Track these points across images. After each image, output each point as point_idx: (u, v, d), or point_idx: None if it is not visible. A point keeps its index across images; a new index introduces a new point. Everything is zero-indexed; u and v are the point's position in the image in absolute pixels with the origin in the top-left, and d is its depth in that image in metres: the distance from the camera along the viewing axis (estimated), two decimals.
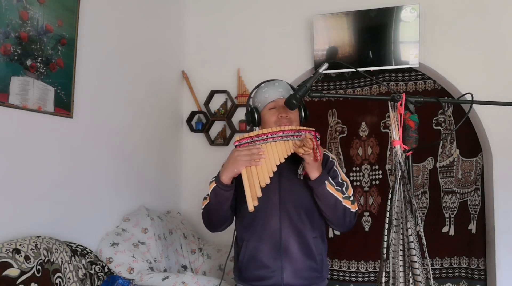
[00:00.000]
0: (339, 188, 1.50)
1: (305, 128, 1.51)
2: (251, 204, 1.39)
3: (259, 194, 1.41)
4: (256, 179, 1.43)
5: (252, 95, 1.67)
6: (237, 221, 1.64)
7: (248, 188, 1.41)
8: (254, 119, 1.61)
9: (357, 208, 1.54)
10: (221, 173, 1.48)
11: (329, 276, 3.20)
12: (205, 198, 1.56)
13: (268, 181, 1.42)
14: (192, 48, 3.41)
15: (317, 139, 1.48)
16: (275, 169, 1.44)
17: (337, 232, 3.22)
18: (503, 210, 2.76)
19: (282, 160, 1.45)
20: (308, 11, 3.11)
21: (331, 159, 1.61)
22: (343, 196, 1.49)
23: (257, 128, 1.64)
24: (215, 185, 1.48)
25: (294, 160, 1.50)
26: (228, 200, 1.50)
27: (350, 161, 3.24)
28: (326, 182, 1.46)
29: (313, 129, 1.51)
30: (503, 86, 2.77)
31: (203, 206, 1.57)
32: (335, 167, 1.60)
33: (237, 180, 1.48)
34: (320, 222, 1.59)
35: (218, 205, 1.51)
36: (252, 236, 1.55)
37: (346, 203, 1.49)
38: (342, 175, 1.59)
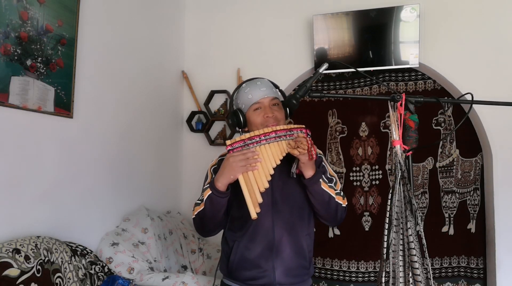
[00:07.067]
0: (331, 184, 1.50)
1: (296, 126, 1.48)
2: (253, 211, 1.35)
3: (260, 199, 1.37)
4: (255, 184, 1.39)
5: (234, 97, 1.62)
6: (228, 222, 1.61)
7: (248, 195, 1.37)
8: (239, 121, 1.55)
9: (346, 203, 1.54)
10: (216, 179, 1.43)
11: (329, 276, 3.21)
12: (197, 204, 1.52)
13: (267, 185, 1.39)
14: (192, 48, 3.41)
15: (309, 136, 1.45)
16: (272, 172, 1.41)
17: (337, 232, 3.23)
18: (503, 209, 2.76)
19: (278, 162, 1.42)
20: (308, 11, 3.11)
21: (318, 155, 1.58)
22: (336, 192, 1.50)
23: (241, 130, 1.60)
24: (210, 192, 1.44)
25: (285, 159, 1.47)
26: (224, 206, 1.47)
27: (350, 161, 3.25)
28: (320, 180, 1.45)
29: (303, 126, 1.48)
30: (503, 86, 2.77)
31: (195, 212, 1.53)
32: (323, 162, 1.58)
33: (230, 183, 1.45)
34: (310, 219, 1.59)
35: (213, 212, 1.48)
36: (243, 237, 1.54)
37: (339, 199, 1.49)
38: (330, 170, 1.58)
